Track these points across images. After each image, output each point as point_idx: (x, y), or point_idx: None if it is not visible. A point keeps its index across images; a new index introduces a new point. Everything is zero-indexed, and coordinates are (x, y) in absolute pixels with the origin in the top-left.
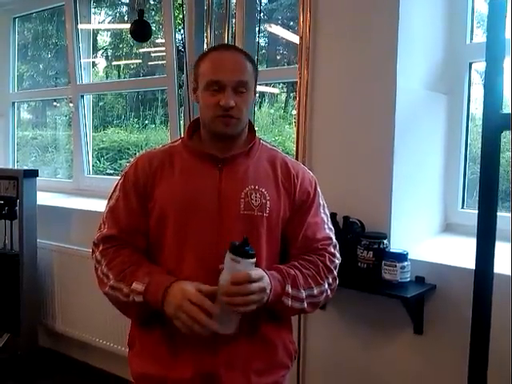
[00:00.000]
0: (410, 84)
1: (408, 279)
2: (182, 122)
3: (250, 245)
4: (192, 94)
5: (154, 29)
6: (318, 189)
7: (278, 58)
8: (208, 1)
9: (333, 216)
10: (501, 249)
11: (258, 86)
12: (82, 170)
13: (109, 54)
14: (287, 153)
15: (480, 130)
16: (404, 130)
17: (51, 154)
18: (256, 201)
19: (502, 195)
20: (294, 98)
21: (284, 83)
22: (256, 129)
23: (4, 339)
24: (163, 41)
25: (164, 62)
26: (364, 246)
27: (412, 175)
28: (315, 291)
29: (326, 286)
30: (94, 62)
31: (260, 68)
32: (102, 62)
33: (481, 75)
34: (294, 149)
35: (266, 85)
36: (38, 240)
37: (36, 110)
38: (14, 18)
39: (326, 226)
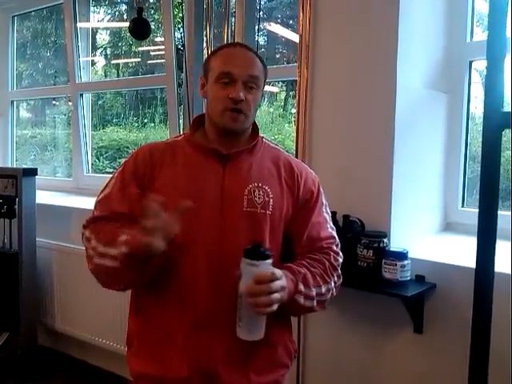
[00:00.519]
0: (410, 82)
1: (408, 278)
2: (181, 121)
3: (265, 246)
4: (200, 90)
5: (153, 27)
6: (321, 188)
7: (278, 56)
8: None
9: (332, 215)
10: (501, 248)
11: None
12: (82, 168)
13: (108, 52)
14: (287, 151)
15: (480, 129)
16: (404, 128)
17: (50, 153)
18: (259, 198)
19: (503, 194)
20: (294, 96)
21: (283, 82)
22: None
23: (3, 338)
24: (162, 39)
25: (163, 60)
26: (364, 245)
27: (412, 174)
28: (323, 289)
29: (332, 284)
30: (93, 61)
31: None
32: (101, 61)
33: (480, 74)
34: (294, 147)
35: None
36: (37, 239)
37: (35, 108)
38: (13, 17)
39: (328, 226)
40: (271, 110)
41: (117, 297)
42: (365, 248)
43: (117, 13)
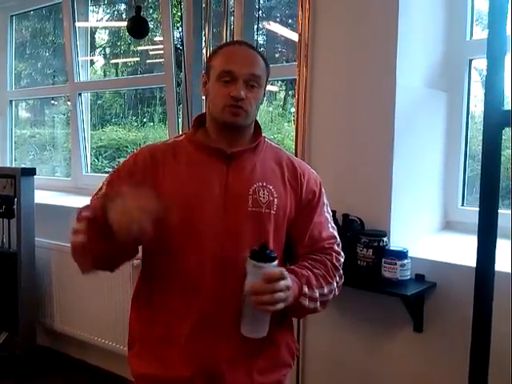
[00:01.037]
0: (409, 81)
1: (408, 277)
2: (180, 120)
3: (269, 248)
4: (202, 88)
5: (151, 26)
6: (323, 189)
7: (277, 55)
8: None
9: (332, 214)
10: (500, 246)
11: None
12: (80, 168)
13: (107, 52)
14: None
15: (479, 128)
16: (404, 127)
17: (49, 153)
18: (264, 198)
19: (502, 193)
20: (293, 95)
21: (282, 81)
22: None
23: (2, 338)
24: (161, 39)
25: (162, 60)
26: (364, 244)
27: (411, 173)
28: (326, 290)
29: (335, 284)
30: (91, 60)
31: None
32: (99, 60)
33: (479, 73)
34: (293, 146)
35: None
36: (35, 238)
37: (34, 108)
38: (12, 16)
39: (329, 225)
40: (270, 109)
41: (116, 297)
42: (364, 247)
43: (115, 12)
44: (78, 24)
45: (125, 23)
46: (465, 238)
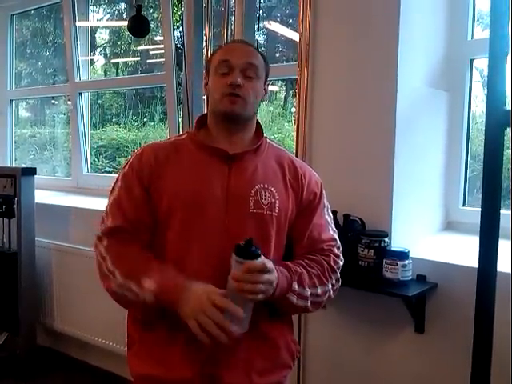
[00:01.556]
0: (410, 81)
1: (409, 277)
2: (180, 120)
3: (256, 245)
4: (203, 88)
5: (152, 26)
6: (324, 190)
7: (278, 55)
8: None
9: (333, 214)
10: (501, 247)
11: None
12: (81, 167)
13: (107, 51)
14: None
15: (480, 128)
16: (405, 127)
17: (49, 152)
18: (265, 199)
19: (503, 193)
20: (293, 95)
21: (283, 81)
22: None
23: (2, 338)
24: (162, 38)
25: (162, 59)
26: (365, 245)
27: (413, 173)
28: (319, 290)
29: (330, 286)
30: (92, 60)
31: None
32: (100, 60)
33: (481, 73)
34: (294, 146)
35: None
36: (36, 238)
37: (34, 107)
38: (12, 16)
39: (330, 228)
40: (271, 108)
41: None
42: (365, 247)
43: (116, 12)
44: (78, 23)
45: (125, 23)
46: (466, 239)
